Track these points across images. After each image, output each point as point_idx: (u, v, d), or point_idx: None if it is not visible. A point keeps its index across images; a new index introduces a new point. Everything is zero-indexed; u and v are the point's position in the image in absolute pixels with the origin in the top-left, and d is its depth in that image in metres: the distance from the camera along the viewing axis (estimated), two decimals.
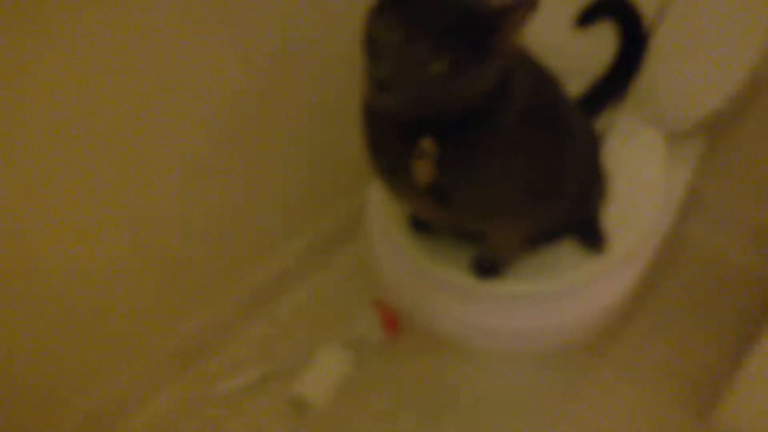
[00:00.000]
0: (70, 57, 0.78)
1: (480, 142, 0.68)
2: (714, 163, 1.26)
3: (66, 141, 0.85)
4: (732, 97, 0.92)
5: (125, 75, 0.86)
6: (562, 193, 0.80)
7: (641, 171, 0.96)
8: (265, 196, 1.20)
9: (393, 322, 1.21)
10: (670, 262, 1.33)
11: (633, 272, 0.90)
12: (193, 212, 1.09)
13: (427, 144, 0.67)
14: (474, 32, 0.60)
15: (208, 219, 1.12)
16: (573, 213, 0.86)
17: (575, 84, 0.96)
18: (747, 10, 0.85)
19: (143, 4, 0.82)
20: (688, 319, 1.26)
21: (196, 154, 1.02)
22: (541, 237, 0.88)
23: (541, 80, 0.76)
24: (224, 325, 1.27)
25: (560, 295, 0.88)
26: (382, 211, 0.96)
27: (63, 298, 0.98)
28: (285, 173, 1.21)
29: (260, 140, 1.11)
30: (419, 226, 0.91)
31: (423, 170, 0.69)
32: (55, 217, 0.90)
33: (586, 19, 0.96)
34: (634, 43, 0.94)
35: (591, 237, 0.89)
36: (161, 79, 0.90)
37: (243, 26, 0.96)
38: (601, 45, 0.96)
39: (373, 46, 0.62)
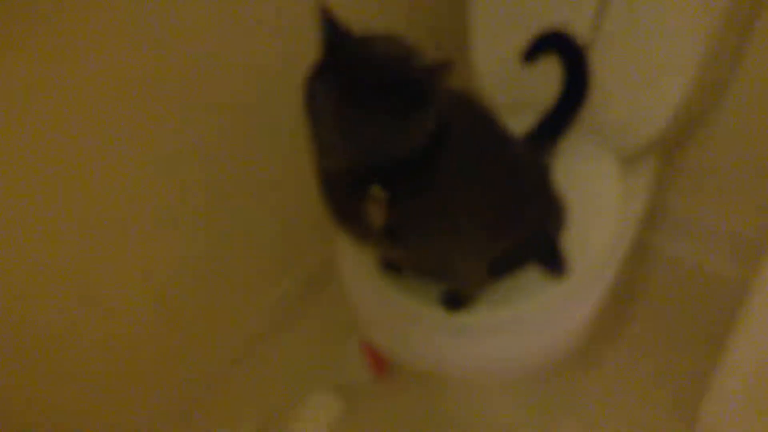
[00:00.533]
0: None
1: (423, 185, 0.72)
2: (681, 178, 1.30)
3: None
4: (673, 118, 0.97)
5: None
6: (510, 228, 0.84)
7: (597, 194, 1.00)
8: (251, 241, 1.24)
9: (380, 362, 1.24)
10: (647, 278, 1.36)
11: (598, 292, 0.94)
12: (185, 261, 1.13)
13: (376, 191, 0.71)
14: (402, 92, 0.65)
15: (197, 268, 1.16)
16: (530, 242, 0.90)
17: (529, 116, 1.01)
18: (677, 35, 0.90)
19: None
20: (671, 332, 1.30)
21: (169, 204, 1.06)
22: (504, 268, 0.92)
23: (477, 121, 0.80)
24: (216, 374, 1.30)
25: (529, 320, 0.91)
26: (352, 254, 1.00)
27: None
28: (268, 218, 1.26)
29: (240, 188, 1.16)
30: (388, 266, 0.95)
31: (375, 214, 0.73)
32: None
33: (531, 54, 1.01)
34: (578, 75, 0.99)
35: (552, 262, 0.93)
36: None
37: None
38: (549, 78, 1.01)
39: (313, 111, 0.67)
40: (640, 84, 0.97)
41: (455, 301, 0.90)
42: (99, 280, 1.02)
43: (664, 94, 0.95)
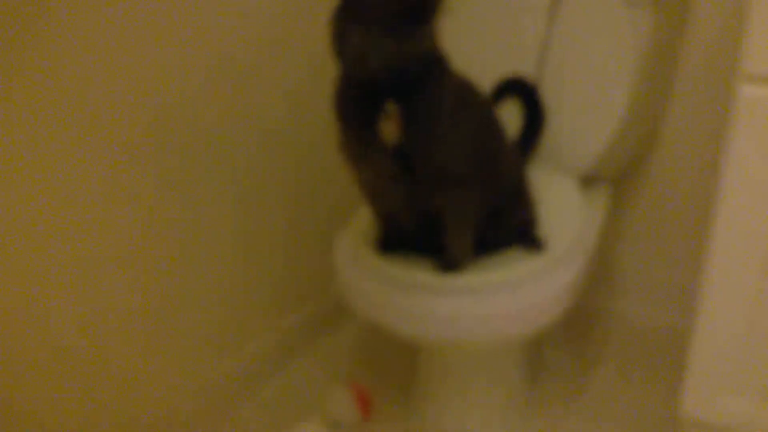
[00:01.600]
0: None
1: (429, 104, 0.88)
2: (623, 234, 1.49)
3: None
4: (612, 145, 1.19)
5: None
6: (498, 173, 0.98)
7: (561, 200, 1.16)
8: (248, 282, 1.31)
9: (367, 402, 1.25)
10: (601, 338, 1.47)
11: (572, 268, 1.05)
12: (182, 296, 1.17)
13: (390, 105, 0.86)
14: (412, 9, 0.84)
15: (189, 305, 1.19)
16: (510, 214, 1.03)
17: None
18: (607, 68, 1.16)
19: None
20: (630, 385, 1.37)
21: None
22: (490, 243, 1.03)
23: (473, 84, 0.99)
24: (208, 411, 1.26)
25: (512, 285, 0.99)
26: (351, 241, 1.09)
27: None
28: (266, 261, 1.34)
29: (239, 229, 1.26)
30: (385, 246, 1.05)
31: (390, 128, 0.87)
32: None
33: (495, 98, 1.24)
34: (534, 113, 1.22)
35: (531, 242, 1.05)
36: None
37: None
38: (510, 117, 1.23)
39: (337, 35, 0.85)
40: (582, 109, 1.20)
41: (449, 264, 0.99)
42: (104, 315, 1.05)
43: (602, 118, 1.18)
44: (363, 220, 1.15)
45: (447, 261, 0.99)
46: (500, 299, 0.98)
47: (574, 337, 1.50)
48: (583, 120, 1.20)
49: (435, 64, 0.89)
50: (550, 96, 1.22)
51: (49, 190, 0.92)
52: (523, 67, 1.24)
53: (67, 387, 1.02)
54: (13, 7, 0.81)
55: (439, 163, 0.91)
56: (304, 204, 1.41)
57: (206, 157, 1.16)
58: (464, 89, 0.95)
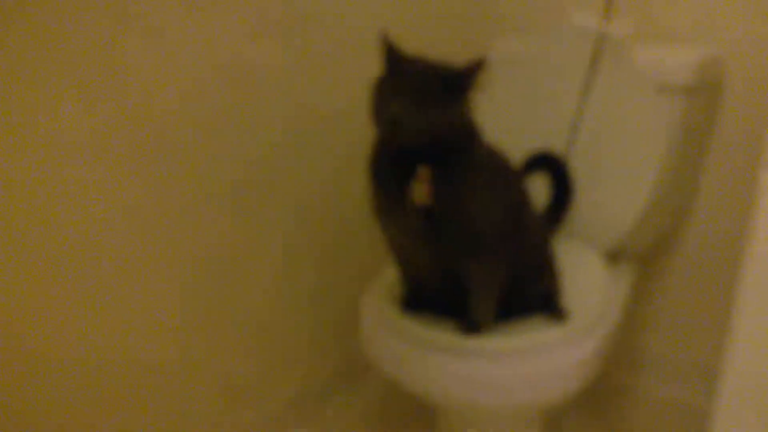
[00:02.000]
0: None
1: (459, 170, 0.93)
2: (648, 312, 1.49)
3: None
4: (639, 223, 1.21)
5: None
6: (524, 241, 1.01)
7: (588, 273, 1.18)
8: (273, 335, 1.35)
9: None
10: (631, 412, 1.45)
11: (594, 340, 1.06)
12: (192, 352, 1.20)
13: (422, 169, 0.91)
14: (448, 83, 0.90)
15: (213, 356, 1.23)
16: (534, 295, 1.06)
17: None
18: (638, 148, 1.20)
19: None
20: None
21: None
22: (513, 309, 1.05)
23: (503, 155, 1.03)
24: None
25: (531, 352, 1.01)
26: (376, 302, 1.12)
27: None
28: (293, 316, 1.38)
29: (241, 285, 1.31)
30: (409, 305, 1.08)
31: (420, 191, 0.91)
32: None
33: (525, 171, 1.28)
34: (563, 187, 1.26)
35: (555, 311, 1.07)
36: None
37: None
38: (539, 190, 1.27)
39: (379, 104, 0.91)
40: (611, 187, 1.23)
41: (471, 327, 1.01)
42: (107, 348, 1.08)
43: (630, 197, 1.21)
44: (389, 279, 1.18)
45: (469, 323, 1.01)
46: (518, 365, 1.00)
47: (595, 413, 1.49)
48: (612, 198, 1.24)
49: (468, 134, 0.94)
50: (580, 172, 1.26)
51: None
52: (554, 142, 1.28)
53: None
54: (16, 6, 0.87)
55: (466, 227, 0.94)
56: (331, 261, 1.45)
57: (250, 224, 1.24)
58: (495, 159, 1.00)
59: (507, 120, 1.34)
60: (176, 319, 1.14)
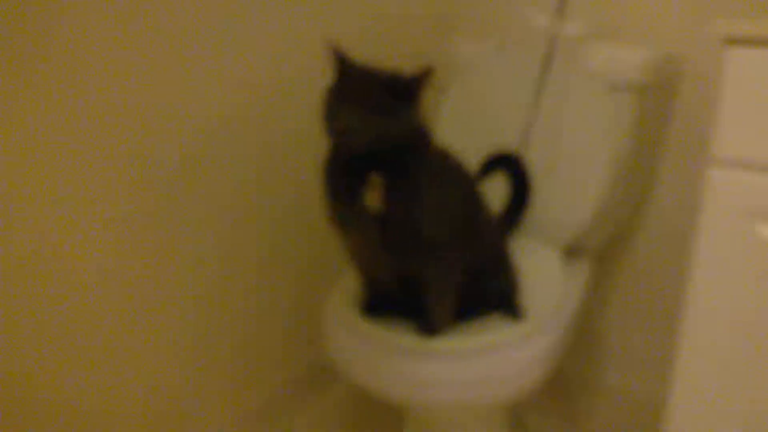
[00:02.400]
0: None
1: (411, 176, 0.94)
2: (605, 305, 1.53)
3: None
4: (594, 219, 1.24)
5: None
6: (478, 242, 1.04)
7: (544, 270, 1.21)
8: (237, 341, 1.35)
9: None
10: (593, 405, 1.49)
11: (551, 336, 1.08)
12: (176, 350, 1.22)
13: (374, 176, 0.93)
14: (397, 90, 0.92)
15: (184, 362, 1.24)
16: (491, 293, 1.08)
17: None
18: (591, 147, 1.23)
19: None
20: None
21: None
22: (470, 308, 1.07)
23: (455, 157, 1.05)
24: None
25: (489, 350, 1.03)
26: (338, 306, 1.14)
27: None
28: (256, 319, 1.38)
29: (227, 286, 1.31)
30: (370, 309, 1.09)
31: (373, 198, 0.93)
32: None
33: (483, 172, 1.30)
34: (520, 186, 1.28)
35: (511, 309, 1.09)
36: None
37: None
38: (495, 191, 1.30)
39: (330, 112, 0.92)
40: (566, 185, 1.26)
41: (429, 328, 1.03)
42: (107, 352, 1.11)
43: (585, 194, 1.24)
44: (351, 283, 1.20)
45: (426, 325, 1.03)
46: (477, 364, 1.02)
47: (557, 405, 1.52)
48: (567, 195, 1.26)
49: (418, 139, 0.96)
50: (535, 171, 1.29)
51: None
52: (511, 142, 1.31)
53: None
54: (26, 19, 0.89)
55: (418, 231, 0.96)
56: (288, 265, 1.46)
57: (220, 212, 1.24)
58: (447, 163, 1.02)
59: (464, 122, 1.36)
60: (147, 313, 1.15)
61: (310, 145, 1.35)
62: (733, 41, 0.85)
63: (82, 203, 1.02)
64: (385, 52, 1.52)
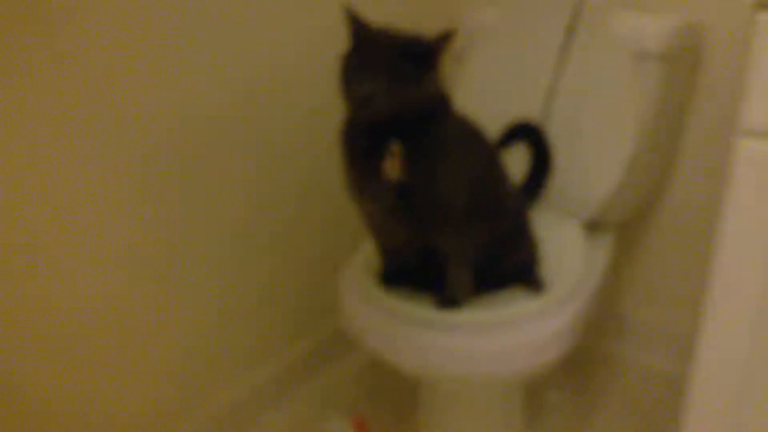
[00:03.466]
0: None
1: (431, 144, 0.92)
2: (628, 280, 1.51)
3: None
4: (618, 191, 1.22)
5: None
6: (499, 213, 1.02)
7: (566, 243, 1.19)
8: (251, 310, 1.35)
9: None
10: (611, 381, 1.48)
11: (571, 310, 1.06)
12: (182, 323, 1.22)
13: (394, 144, 0.91)
14: (417, 56, 0.89)
15: (190, 332, 1.24)
16: (512, 267, 1.06)
17: None
18: (616, 116, 1.20)
19: None
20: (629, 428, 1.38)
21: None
22: (491, 282, 1.06)
23: (475, 126, 1.03)
24: None
25: (510, 323, 1.02)
26: (355, 274, 1.13)
27: None
28: (271, 290, 1.38)
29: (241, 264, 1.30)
30: (388, 280, 1.08)
31: (392, 166, 0.91)
32: None
33: (503, 142, 1.28)
34: (542, 157, 1.25)
35: (532, 282, 1.07)
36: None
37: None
38: (517, 160, 1.27)
39: (347, 80, 0.90)
40: (589, 156, 1.23)
41: (448, 300, 1.02)
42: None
43: (608, 165, 1.21)
44: (368, 253, 1.18)
45: (446, 297, 1.02)
46: (497, 337, 1.01)
47: (576, 380, 1.51)
48: (590, 166, 1.24)
49: (438, 107, 0.93)
50: (557, 141, 1.26)
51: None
52: (533, 111, 1.28)
53: None
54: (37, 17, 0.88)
55: (438, 200, 0.94)
56: (310, 234, 1.46)
57: (214, 178, 1.23)
58: (466, 131, 0.99)
59: (485, 91, 1.33)
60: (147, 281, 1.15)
61: (331, 113, 1.33)
62: (764, 4, 0.82)
63: (96, 181, 1.01)
64: (401, 19, 1.49)
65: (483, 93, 1.34)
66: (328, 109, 1.33)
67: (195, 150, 1.16)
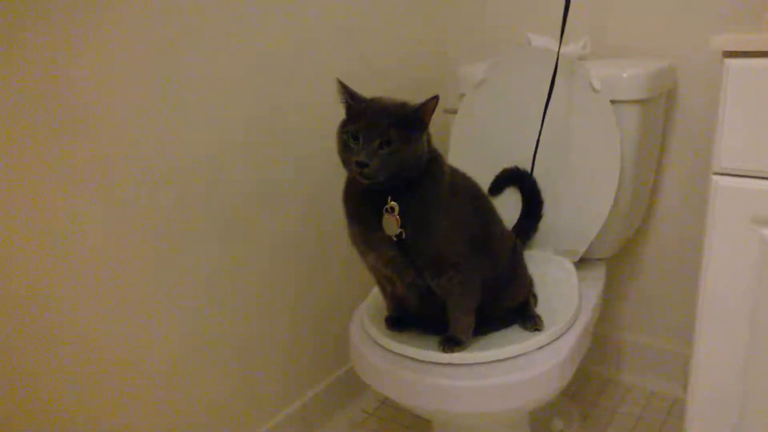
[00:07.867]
0: None
1: (425, 199, 1.01)
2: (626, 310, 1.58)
3: None
4: (604, 228, 1.30)
5: None
6: (494, 255, 1.10)
7: (560, 280, 1.27)
8: (272, 351, 1.43)
9: None
10: (615, 405, 1.54)
11: (567, 345, 1.13)
12: (203, 367, 1.28)
13: (391, 202, 0.99)
14: (405, 121, 0.97)
15: (213, 375, 1.31)
16: (508, 294, 1.14)
17: None
18: (598, 159, 1.28)
19: None
20: None
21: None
22: (489, 323, 1.13)
23: (466, 177, 1.11)
24: None
25: (513, 360, 1.09)
26: (365, 323, 1.20)
27: None
28: (291, 331, 1.47)
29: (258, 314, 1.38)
30: (394, 324, 1.16)
31: (390, 222, 0.99)
32: None
33: (495, 188, 1.36)
34: (532, 200, 1.34)
35: (530, 321, 1.15)
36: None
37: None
38: (509, 205, 1.36)
39: (344, 145, 0.99)
40: (577, 197, 1.32)
41: (452, 342, 1.09)
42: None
43: (593, 204, 1.30)
44: (376, 299, 1.26)
45: (450, 339, 1.09)
46: (500, 375, 1.07)
47: (580, 406, 1.58)
48: (578, 206, 1.32)
49: (430, 165, 1.02)
50: (546, 184, 1.35)
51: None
52: (521, 158, 1.37)
53: None
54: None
55: (434, 250, 1.02)
56: (326, 283, 1.54)
57: (243, 239, 1.31)
58: (459, 183, 1.08)
59: (478, 139, 1.42)
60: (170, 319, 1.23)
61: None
62: (732, 53, 0.90)
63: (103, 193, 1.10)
64: (389, 83, 1.60)
65: (476, 141, 1.43)
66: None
67: (224, 207, 1.26)
